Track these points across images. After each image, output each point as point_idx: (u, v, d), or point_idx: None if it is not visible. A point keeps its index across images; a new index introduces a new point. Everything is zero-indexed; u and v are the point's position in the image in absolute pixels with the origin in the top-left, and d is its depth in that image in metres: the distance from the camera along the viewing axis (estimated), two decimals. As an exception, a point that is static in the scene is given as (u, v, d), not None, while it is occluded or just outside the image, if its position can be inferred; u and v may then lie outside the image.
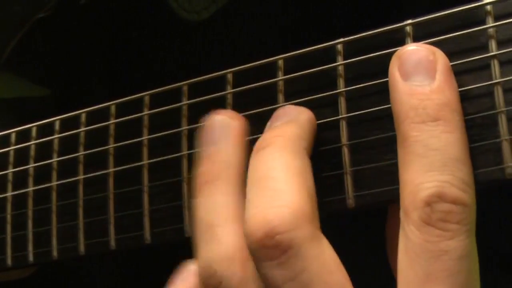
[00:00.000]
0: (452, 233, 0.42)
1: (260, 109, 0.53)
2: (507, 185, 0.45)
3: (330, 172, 0.50)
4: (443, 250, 0.42)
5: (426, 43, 0.46)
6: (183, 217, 0.55)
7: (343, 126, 0.49)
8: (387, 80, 0.46)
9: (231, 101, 0.54)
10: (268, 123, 0.51)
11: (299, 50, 0.52)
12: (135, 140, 0.58)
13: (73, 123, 0.62)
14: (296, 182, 0.46)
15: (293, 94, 0.52)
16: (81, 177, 0.61)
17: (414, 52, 0.45)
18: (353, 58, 0.50)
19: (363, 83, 0.49)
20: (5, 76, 0.76)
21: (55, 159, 0.63)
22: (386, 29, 0.49)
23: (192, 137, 0.55)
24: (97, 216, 0.60)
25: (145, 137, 0.58)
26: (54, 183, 0.63)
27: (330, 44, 0.51)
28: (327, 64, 0.51)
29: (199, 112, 0.55)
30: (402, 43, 0.48)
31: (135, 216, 0.58)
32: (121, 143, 0.59)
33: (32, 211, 0.64)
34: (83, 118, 0.62)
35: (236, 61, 0.55)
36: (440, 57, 0.45)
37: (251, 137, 0.52)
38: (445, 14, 0.47)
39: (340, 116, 0.49)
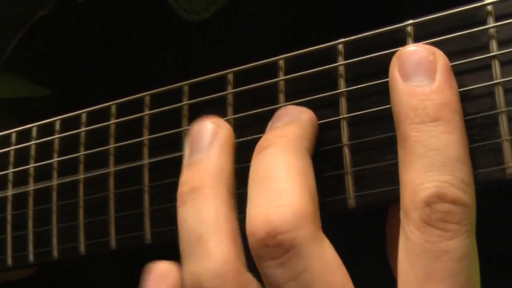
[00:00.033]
0: (452, 233, 0.42)
1: (261, 109, 0.53)
2: (507, 185, 0.45)
3: (331, 172, 0.50)
4: (443, 250, 0.42)
5: (427, 43, 0.46)
6: (183, 217, 0.55)
7: (344, 126, 0.49)
8: (388, 80, 0.46)
9: (231, 101, 0.54)
10: (270, 124, 0.51)
11: (299, 50, 0.52)
12: (136, 140, 0.58)
13: (73, 123, 0.62)
14: (298, 182, 0.46)
15: (294, 94, 0.52)
16: (81, 177, 0.61)
17: (414, 52, 0.45)
18: (354, 58, 0.50)
19: (364, 83, 0.49)
20: (5, 76, 0.76)
21: (55, 159, 0.63)
22: (387, 30, 0.49)
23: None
24: (97, 216, 0.60)
25: (145, 137, 0.58)
26: (55, 183, 0.63)
27: (331, 44, 0.51)
28: (328, 64, 0.51)
29: (199, 112, 0.55)
30: (403, 43, 0.48)
31: (135, 216, 0.57)
32: (121, 143, 0.59)
33: (33, 211, 0.64)
34: (83, 118, 0.62)
35: (236, 61, 0.55)
36: (440, 57, 0.45)
37: (251, 137, 0.52)
38: (446, 14, 0.47)
39: (341, 116, 0.49)
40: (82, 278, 0.74)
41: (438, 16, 0.47)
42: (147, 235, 0.57)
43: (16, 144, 0.66)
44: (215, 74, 0.55)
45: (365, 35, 0.50)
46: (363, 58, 0.49)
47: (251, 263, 0.47)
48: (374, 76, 0.49)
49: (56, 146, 0.63)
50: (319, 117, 0.50)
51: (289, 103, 0.52)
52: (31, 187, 0.64)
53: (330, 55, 0.51)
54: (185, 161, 0.51)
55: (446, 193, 0.42)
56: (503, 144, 0.44)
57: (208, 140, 0.51)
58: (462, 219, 0.42)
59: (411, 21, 0.48)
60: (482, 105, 0.45)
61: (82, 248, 0.60)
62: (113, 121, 0.60)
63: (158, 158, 0.57)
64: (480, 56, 0.45)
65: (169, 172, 0.56)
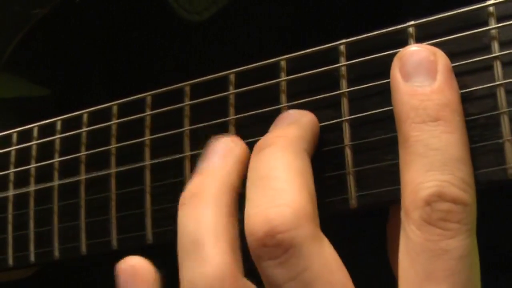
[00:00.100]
0: (453, 232, 0.42)
1: (263, 110, 0.53)
2: (508, 185, 0.45)
3: (333, 173, 0.50)
4: (444, 249, 0.42)
5: (429, 44, 0.47)
6: (185, 217, 0.55)
7: (346, 127, 0.50)
8: (389, 81, 0.46)
9: (233, 102, 0.54)
10: (271, 127, 0.51)
11: (299, 50, 0.53)
12: (137, 140, 0.58)
13: (74, 123, 0.62)
14: (297, 182, 0.46)
15: (296, 94, 0.52)
16: (82, 177, 0.61)
17: (415, 53, 0.46)
18: (356, 59, 0.50)
19: (365, 84, 0.49)
20: (5, 76, 0.76)
21: (56, 159, 0.63)
22: (389, 30, 0.49)
23: (194, 137, 0.56)
24: (98, 216, 0.60)
25: (147, 138, 0.58)
26: (56, 183, 0.63)
27: (332, 45, 0.51)
28: (329, 65, 0.51)
29: (201, 113, 0.55)
30: (404, 44, 0.48)
31: (137, 216, 0.58)
32: (123, 143, 0.59)
33: (34, 211, 0.64)
34: (85, 118, 0.62)
35: (237, 62, 0.55)
36: (441, 57, 0.45)
37: (253, 139, 0.52)
38: (447, 15, 0.47)
39: (342, 119, 0.50)
40: (82, 278, 0.74)
41: (440, 17, 0.47)
42: (148, 235, 0.57)
43: (17, 144, 0.66)
44: (216, 74, 0.55)
45: (367, 36, 0.50)
46: (365, 59, 0.49)
47: (251, 264, 0.47)
48: (376, 77, 0.49)
49: (57, 146, 0.63)
50: (321, 117, 0.51)
51: (290, 103, 0.52)
52: (32, 187, 0.64)
53: (332, 56, 0.51)
54: (196, 170, 0.51)
55: (446, 193, 0.42)
56: (504, 145, 0.44)
57: (222, 153, 0.51)
58: (462, 218, 0.42)
59: (412, 22, 0.48)
60: (484, 105, 0.45)
61: (83, 248, 0.60)
62: (114, 121, 0.60)
63: (160, 159, 0.57)
64: (481, 57, 0.45)
65: (170, 172, 0.56)
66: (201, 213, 0.48)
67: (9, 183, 0.66)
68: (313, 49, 0.52)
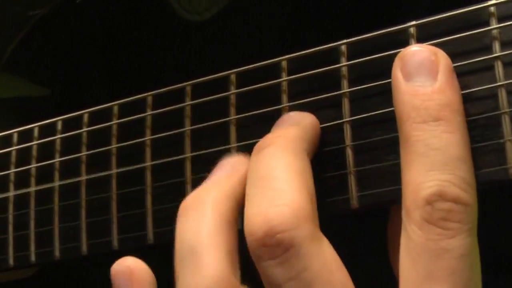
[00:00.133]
0: (453, 232, 0.42)
1: (264, 110, 0.53)
2: (509, 185, 0.45)
3: (334, 173, 0.50)
4: (444, 249, 0.42)
5: (430, 44, 0.47)
6: (186, 217, 0.55)
7: (347, 127, 0.50)
8: (391, 81, 0.47)
9: (234, 102, 0.54)
10: (272, 128, 0.51)
11: (299, 50, 0.53)
12: (138, 140, 0.58)
13: (75, 123, 0.62)
14: (297, 182, 0.46)
15: (297, 94, 0.52)
16: (83, 177, 0.61)
17: (416, 53, 0.46)
18: (357, 59, 0.50)
19: (366, 84, 0.49)
20: (5, 76, 0.76)
21: (57, 159, 0.63)
22: (390, 30, 0.49)
23: (195, 137, 0.56)
24: (99, 216, 0.60)
25: (148, 138, 0.58)
26: (57, 183, 0.63)
27: (333, 45, 0.51)
28: (330, 65, 0.51)
29: (202, 113, 0.55)
30: (405, 44, 0.48)
31: (137, 216, 0.58)
32: (123, 144, 0.59)
33: (34, 211, 0.64)
34: (85, 118, 0.62)
35: (237, 62, 0.55)
36: (442, 57, 0.45)
37: (254, 140, 0.52)
38: (448, 15, 0.47)
39: (344, 120, 0.50)
40: (82, 278, 0.74)
41: (441, 17, 0.47)
42: (149, 235, 0.57)
43: (18, 144, 0.66)
44: (217, 74, 0.55)
45: (368, 36, 0.50)
46: (366, 59, 0.49)
47: (251, 264, 0.47)
48: (377, 77, 0.49)
49: (58, 146, 0.63)
50: (321, 117, 0.51)
51: (292, 103, 0.52)
52: (33, 187, 0.64)
53: (333, 56, 0.51)
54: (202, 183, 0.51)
55: (447, 192, 0.42)
56: (505, 145, 0.44)
57: (228, 171, 0.51)
58: (463, 218, 0.42)
59: (413, 22, 0.48)
60: (485, 105, 0.45)
61: (84, 248, 0.60)
62: (115, 121, 0.60)
63: (161, 160, 0.57)
64: (482, 57, 0.45)
65: (171, 173, 0.56)
66: (200, 221, 0.48)
67: (10, 183, 0.66)
68: (314, 49, 0.52)
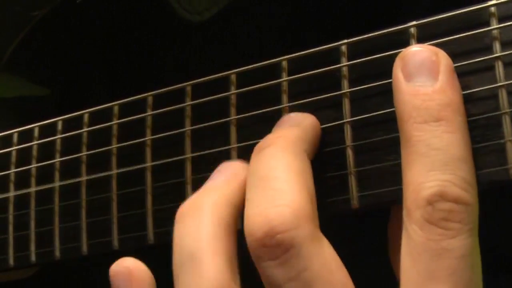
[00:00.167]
0: (454, 232, 0.42)
1: (264, 110, 0.53)
2: (509, 185, 0.45)
3: (335, 173, 0.50)
4: (445, 249, 0.42)
5: (431, 44, 0.47)
6: (186, 217, 0.55)
7: (347, 127, 0.50)
8: (391, 81, 0.47)
9: (234, 102, 0.54)
10: (273, 129, 0.51)
11: (299, 50, 0.52)
12: (138, 140, 0.58)
13: (75, 123, 0.62)
14: (297, 182, 0.46)
15: (297, 95, 0.52)
16: (84, 178, 0.61)
17: (417, 53, 0.46)
18: (357, 59, 0.50)
19: (367, 84, 0.49)
20: (5, 76, 0.76)
21: (57, 159, 0.63)
22: (391, 31, 0.49)
23: (195, 137, 0.56)
24: (100, 216, 0.60)
25: (148, 138, 0.58)
26: (57, 183, 0.63)
27: (334, 45, 0.51)
28: (331, 65, 0.51)
29: (202, 113, 0.55)
30: (406, 44, 0.48)
31: (138, 216, 0.58)
32: (124, 144, 0.59)
33: (35, 211, 0.64)
34: (86, 118, 0.62)
35: (238, 62, 0.55)
36: (443, 58, 0.45)
37: (255, 141, 0.52)
38: (449, 15, 0.47)
39: (344, 120, 0.50)
40: (82, 278, 0.74)
41: (442, 17, 0.47)
42: (150, 235, 0.57)
43: (18, 144, 0.66)
44: (218, 74, 0.55)
45: (368, 36, 0.50)
46: (366, 59, 0.49)
47: (251, 264, 0.47)
48: (378, 77, 0.49)
49: (58, 146, 0.63)
50: (322, 117, 0.51)
51: (292, 103, 0.52)
52: (33, 187, 0.64)
53: (333, 56, 0.51)
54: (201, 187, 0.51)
55: (448, 192, 0.42)
56: (506, 145, 0.44)
57: (228, 175, 0.50)
58: (464, 218, 0.42)
59: (414, 22, 0.48)
60: (485, 106, 0.45)
61: (84, 248, 0.60)
62: (115, 121, 0.60)
63: (162, 161, 0.57)
64: (483, 57, 0.45)
65: (171, 173, 0.56)
66: (198, 226, 0.48)
67: (10, 183, 0.66)
68: (314, 49, 0.52)
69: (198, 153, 0.55)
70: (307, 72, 0.52)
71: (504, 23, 0.45)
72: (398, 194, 0.46)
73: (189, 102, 0.56)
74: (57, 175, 0.63)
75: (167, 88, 0.58)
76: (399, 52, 0.46)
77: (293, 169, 0.47)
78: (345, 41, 0.51)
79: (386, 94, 0.48)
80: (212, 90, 0.55)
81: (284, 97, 0.52)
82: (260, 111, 0.53)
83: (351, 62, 0.50)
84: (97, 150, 0.61)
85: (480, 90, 0.45)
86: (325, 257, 0.45)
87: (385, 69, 0.48)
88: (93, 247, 0.60)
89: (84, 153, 0.61)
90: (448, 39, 0.47)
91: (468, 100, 0.45)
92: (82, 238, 0.60)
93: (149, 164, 0.57)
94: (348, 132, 0.50)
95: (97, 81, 0.73)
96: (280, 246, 0.44)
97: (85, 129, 0.62)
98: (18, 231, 0.65)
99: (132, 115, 0.59)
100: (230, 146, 0.54)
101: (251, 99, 0.54)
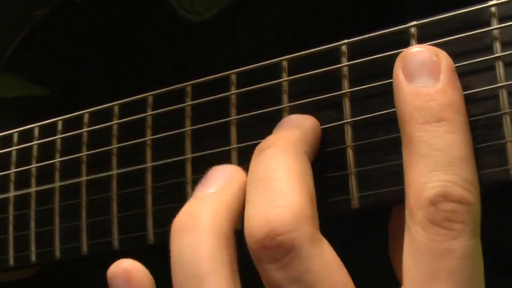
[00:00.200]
0: (457, 233, 0.42)
1: (264, 110, 0.53)
2: (510, 186, 0.45)
3: (335, 173, 0.50)
4: (448, 249, 0.42)
5: (431, 44, 0.47)
6: (186, 218, 0.55)
7: (348, 127, 0.50)
8: (392, 81, 0.47)
9: (234, 102, 0.54)
10: (273, 131, 0.51)
11: (299, 51, 0.52)
12: (139, 140, 0.58)
13: (75, 123, 0.62)
14: (297, 184, 0.46)
15: (297, 95, 0.52)
16: (84, 178, 0.61)
17: (418, 53, 0.46)
18: (358, 59, 0.50)
19: (367, 84, 0.49)
20: (5, 76, 0.76)
21: (57, 159, 0.63)
22: (391, 31, 0.49)
23: (196, 137, 0.56)
24: (100, 216, 0.60)
25: (148, 138, 0.58)
26: (57, 183, 0.63)
27: (334, 45, 0.51)
28: (331, 65, 0.51)
29: (202, 113, 0.55)
30: (406, 44, 0.48)
31: (138, 217, 0.58)
32: (124, 144, 0.59)
33: (35, 211, 0.64)
34: (86, 118, 0.62)
35: (238, 62, 0.55)
36: (443, 58, 0.45)
37: (255, 141, 0.52)
38: (449, 15, 0.47)
39: (345, 121, 0.50)
40: (82, 278, 0.74)
41: (442, 17, 0.47)
42: (150, 235, 0.57)
43: (18, 144, 0.66)
44: (218, 74, 0.55)
45: (369, 36, 0.50)
46: (366, 59, 0.49)
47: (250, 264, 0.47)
48: (378, 77, 0.49)
49: (58, 146, 0.63)
50: (322, 118, 0.51)
51: (292, 103, 0.52)
52: (33, 187, 0.64)
53: (333, 56, 0.51)
54: (193, 195, 0.50)
55: (450, 193, 0.42)
56: (507, 145, 0.44)
57: (223, 180, 0.50)
58: (466, 218, 0.42)
59: (414, 22, 0.48)
60: (486, 106, 0.45)
61: (84, 248, 0.60)
62: (115, 121, 0.60)
63: (162, 162, 0.57)
64: (483, 57, 0.45)
65: (172, 173, 0.56)
66: (197, 242, 0.47)
67: (10, 183, 0.66)
68: (314, 49, 0.52)
69: (199, 153, 0.55)
70: (308, 72, 0.52)
71: (505, 23, 0.45)
72: (398, 194, 0.46)
73: (189, 102, 0.56)
74: (57, 175, 0.63)
75: (167, 88, 0.58)
76: (400, 52, 0.46)
77: (293, 170, 0.47)
78: (346, 41, 0.51)
79: (387, 94, 0.48)
80: (212, 90, 0.55)
81: (285, 97, 0.52)
82: (261, 111, 0.53)
83: (351, 62, 0.50)
84: (97, 150, 0.61)
85: (481, 90, 0.45)
86: (326, 258, 0.45)
87: (386, 69, 0.48)
88: (93, 247, 0.60)
89: (84, 153, 0.61)
90: (449, 39, 0.47)
91: (468, 100, 0.45)
92: (82, 238, 0.60)
93: (149, 164, 0.57)
94: (348, 132, 0.49)
95: (97, 81, 0.73)
96: (281, 248, 0.44)
97: (85, 129, 0.62)
98: (18, 231, 0.65)
99: (132, 115, 0.59)
100: (230, 147, 0.54)
101: (251, 99, 0.54)
